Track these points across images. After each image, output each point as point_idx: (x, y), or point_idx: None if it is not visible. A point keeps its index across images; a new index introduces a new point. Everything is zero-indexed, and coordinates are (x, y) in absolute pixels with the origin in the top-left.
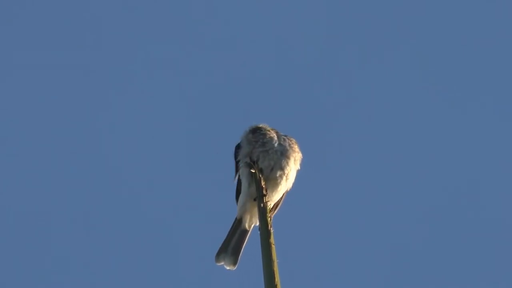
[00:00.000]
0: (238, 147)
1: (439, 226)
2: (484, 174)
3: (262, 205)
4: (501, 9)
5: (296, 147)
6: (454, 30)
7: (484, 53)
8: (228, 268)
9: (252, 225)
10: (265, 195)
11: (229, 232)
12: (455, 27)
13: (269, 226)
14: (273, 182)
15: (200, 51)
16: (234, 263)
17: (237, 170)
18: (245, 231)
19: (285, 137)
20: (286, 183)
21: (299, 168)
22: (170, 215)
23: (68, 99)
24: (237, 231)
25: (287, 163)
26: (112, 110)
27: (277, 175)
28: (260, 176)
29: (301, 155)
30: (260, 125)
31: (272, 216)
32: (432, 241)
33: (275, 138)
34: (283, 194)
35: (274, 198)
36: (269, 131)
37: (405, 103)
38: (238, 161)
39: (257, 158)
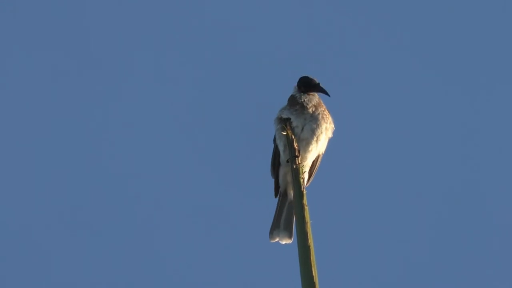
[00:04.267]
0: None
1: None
2: (489, 172)
3: (294, 166)
4: (501, 7)
5: (329, 119)
6: (454, 29)
7: (485, 51)
8: (283, 242)
9: None
10: (297, 157)
11: (277, 207)
12: (455, 25)
13: (302, 188)
14: (304, 142)
15: (199, 50)
16: (289, 236)
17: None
18: (292, 202)
19: (320, 113)
20: (317, 145)
21: (331, 136)
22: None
23: (67, 99)
24: (285, 204)
25: (318, 126)
26: (111, 110)
27: (308, 135)
28: (293, 137)
29: (333, 126)
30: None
31: (309, 183)
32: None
33: (310, 108)
34: (317, 159)
35: (307, 160)
36: (308, 102)
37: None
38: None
39: (288, 118)
